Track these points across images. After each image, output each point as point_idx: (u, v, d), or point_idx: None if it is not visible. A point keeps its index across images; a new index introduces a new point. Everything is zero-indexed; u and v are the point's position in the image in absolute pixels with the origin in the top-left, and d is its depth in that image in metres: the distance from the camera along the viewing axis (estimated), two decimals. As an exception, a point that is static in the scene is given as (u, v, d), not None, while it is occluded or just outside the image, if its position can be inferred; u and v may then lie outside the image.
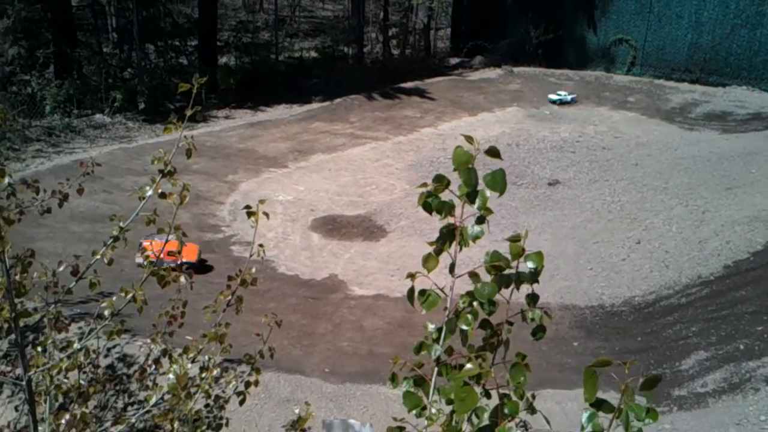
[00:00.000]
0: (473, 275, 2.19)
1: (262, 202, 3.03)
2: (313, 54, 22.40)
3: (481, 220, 2.21)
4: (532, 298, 2.29)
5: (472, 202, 2.12)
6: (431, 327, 2.22)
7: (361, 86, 18.41)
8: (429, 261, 2.20)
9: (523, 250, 2.22)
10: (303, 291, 8.94)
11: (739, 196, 10.45)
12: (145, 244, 2.94)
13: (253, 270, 3.19)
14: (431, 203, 2.16)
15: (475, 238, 2.19)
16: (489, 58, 20.69)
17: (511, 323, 2.23)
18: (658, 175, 12.22)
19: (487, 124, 16.28)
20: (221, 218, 11.08)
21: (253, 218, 3.03)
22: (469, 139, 2.11)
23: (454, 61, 21.66)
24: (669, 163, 12.71)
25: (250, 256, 3.12)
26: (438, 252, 2.19)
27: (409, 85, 18.66)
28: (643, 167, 12.81)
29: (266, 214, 3.01)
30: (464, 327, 2.20)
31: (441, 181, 2.12)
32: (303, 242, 10.49)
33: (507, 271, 2.11)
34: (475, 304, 2.13)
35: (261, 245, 3.24)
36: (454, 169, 2.04)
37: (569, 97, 16.87)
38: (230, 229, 10.72)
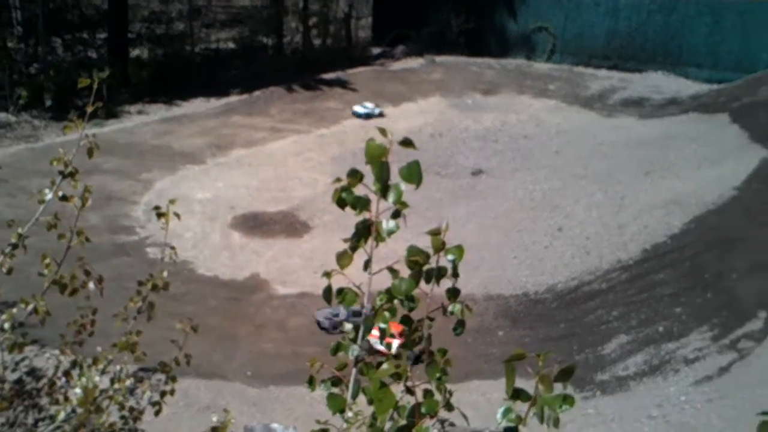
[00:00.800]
0: (392, 271, 2.06)
1: (172, 201, 2.89)
2: (231, 45, 21.81)
3: (396, 215, 2.13)
4: (453, 293, 2.17)
5: (385, 196, 2.04)
6: (348, 326, 2.16)
7: (282, 78, 17.98)
8: (343, 258, 2.14)
9: (444, 243, 2.08)
10: (224, 292, 8.60)
11: (656, 180, 10.63)
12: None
13: (165, 273, 3.03)
14: (346, 199, 2.08)
15: (390, 233, 2.12)
16: (411, 47, 20.56)
17: (431, 319, 2.14)
18: (578, 161, 12.34)
19: (410, 114, 16.16)
20: (135, 219, 10.57)
21: (163, 219, 2.92)
22: (383, 131, 2.02)
23: (376, 50, 21.45)
24: (589, 150, 12.86)
25: (162, 259, 3.05)
26: (353, 248, 2.06)
27: (330, 75, 18.36)
28: (564, 154, 12.94)
29: (177, 215, 2.89)
30: (382, 325, 2.13)
31: (355, 176, 2.02)
32: (223, 241, 10.12)
33: (427, 266, 2.06)
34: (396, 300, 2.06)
35: (173, 247, 3.13)
36: (367, 163, 1.89)
37: (377, 111, 16.03)
38: (145, 231, 10.23)
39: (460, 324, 2.30)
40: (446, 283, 2.07)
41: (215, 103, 16.54)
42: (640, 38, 18.50)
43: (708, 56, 17.98)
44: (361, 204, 1.98)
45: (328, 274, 2.01)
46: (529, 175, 12.22)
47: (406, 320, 2.23)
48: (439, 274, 2.18)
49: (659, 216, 9.31)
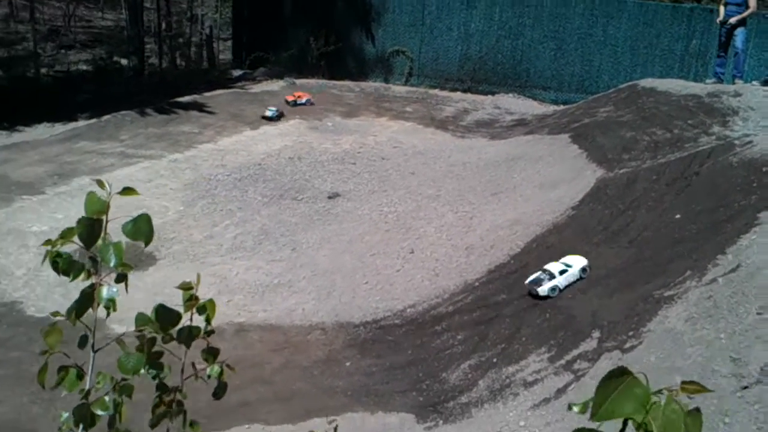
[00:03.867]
0: (120, 343, 1.92)
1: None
2: (85, 67, 20.72)
3: (120, 279, 1.94)
4: (210, 352, 2.05)
5: (105, 259, 1.83)
6: (65, 415, 1.90)
7: (138, 101, 17.25)
8: (51, 335, 1.89)
9: (196, 298, 1.97)
10: (53, 335, 7.97)
11: (502, 200, 10.97)
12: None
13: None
14: (59, 263, 1.86)
15: (110, 301, 1.90)
16: (272, 69, 20.37)
17: (179, 390, 2.00)
18: (432, 183, 12.55)
19: (269, 137, 15.90)
20: (-41, 257, 9.67)
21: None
22: (101, 183, 1.81)
23: (236, 73, 21.09)
24: (442, 171, 13.13)
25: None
26: (78, 316, 1.89)
27: (187, 98, 17.80)
28: (419, 176, 13.13)
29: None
30: (100, 412, 1.90)
31: (67, 236, 1.84)
32: (58, 278, 9.37)
33: (178, 326, 1.91)
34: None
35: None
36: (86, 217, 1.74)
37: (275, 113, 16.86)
38: (-31, 270, 9.38)
39: (221, 389, 2.15)
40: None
41: (61, 128, 15.60)
42: (491, 62, 19.27)
43: (553, 79, 18.98)
44: (76, 270, 1.79)
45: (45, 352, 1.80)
46: (385, 197, 12.29)
47: (161, 387, 2.06)
48: (190, 334, 2.03)
49: (504, 236, 9.59)
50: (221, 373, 2.10)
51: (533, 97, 18.99)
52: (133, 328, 6.37)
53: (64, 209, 11.40)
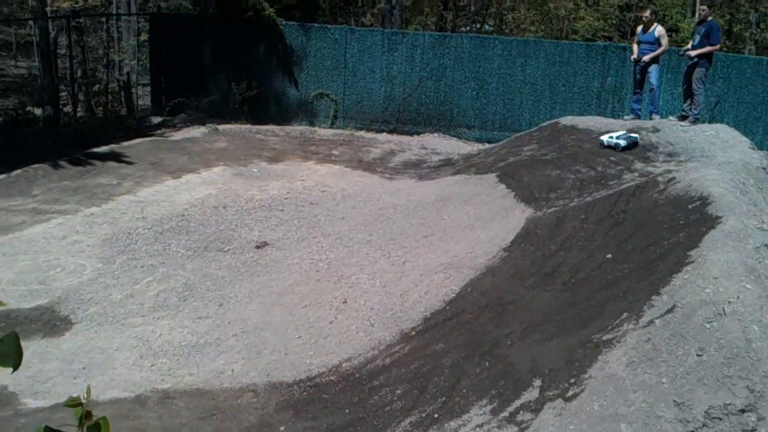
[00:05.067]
0: None
1: None
2: (-7, 118, 19.74)
3: None
4: None
5: None
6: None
7: (51, 153, 16.48)
8: None
9: (89, 414, 1.80)
10: (-44, 416, 7.28)
11: (434, 243, 10.84)
12: None
13: None
14: None
15: None
16: (193, 115, 19.91)
17: None
18: (362, 227, 12.35)
19: (193, 186, 15.42)
20: None
21: None
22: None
23: (156, 120, 20.51)
24: (372, 215, 12.95)
25: None
26: None
27: (103, 149, 17.15)
28: (349, 220, 12.91)
29: None
30: None
31: None
32: (-38, 350, 8.68)
33: None
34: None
35: None
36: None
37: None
38: None
39: None
40: None
41: (-35, 184, 14.71)
42: (415, 103, 19.41)
43: (476, 118, 19.25)
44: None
45: None
46: (315, 244, 12.00)
47: None
48: None
49: (438, 280, 9.43)
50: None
51: (458, 136, 19.17)
52: (45, 402, 5.80)
53: (-32, 272, 10.62)
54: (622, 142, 10.94)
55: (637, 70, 13.70)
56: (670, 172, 9.20)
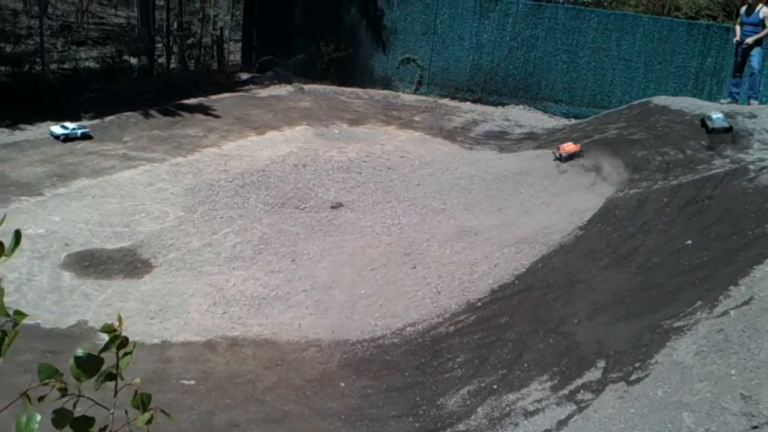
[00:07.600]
0: (25, 396, 1.68)
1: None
2: (93, 65, 20.55)
3: None
4: (142, 401, 1.84)
5: None
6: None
7: (143, 102, 17.08)
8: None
9: (125, 339, 1.84)
10: (41, 344, 7.75)
11: (509, 216, 10.71)
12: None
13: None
14: None
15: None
16: (280, 73, 20.18)
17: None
18: (437, 195, 12.31)
19: (275, 143, 15.70)
20: (-49, 258, 9.47)
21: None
22: None
23: (245, 76, 20.90)
24: (449, 183, 12.88)
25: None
26: None
27: (192, 101, 17.64)
28: (425, 187, 12.89)
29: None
30: None
31: None
32: (51, 283, 9.21)
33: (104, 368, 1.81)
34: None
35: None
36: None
37: (79, 131, 14.61)
38: (-40, 272, 9.17)
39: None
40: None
41: (63, 128, 15.41)
42: (502, 73, 19.03)
43: (565, 92, 18.72)
44: None
45: None
46: (389, 208, 12.06)
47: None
48: (110, 376, 1.87)
49: (509, 254, 9.33)
50: (150, 421, 1.87)
51: (544, 110, 18.73)
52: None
53: (61, 211, 11.21)
54: (726, 124, 10.41)
55: (738, 52, 12.99)
56: (762, 160, 8.74)
